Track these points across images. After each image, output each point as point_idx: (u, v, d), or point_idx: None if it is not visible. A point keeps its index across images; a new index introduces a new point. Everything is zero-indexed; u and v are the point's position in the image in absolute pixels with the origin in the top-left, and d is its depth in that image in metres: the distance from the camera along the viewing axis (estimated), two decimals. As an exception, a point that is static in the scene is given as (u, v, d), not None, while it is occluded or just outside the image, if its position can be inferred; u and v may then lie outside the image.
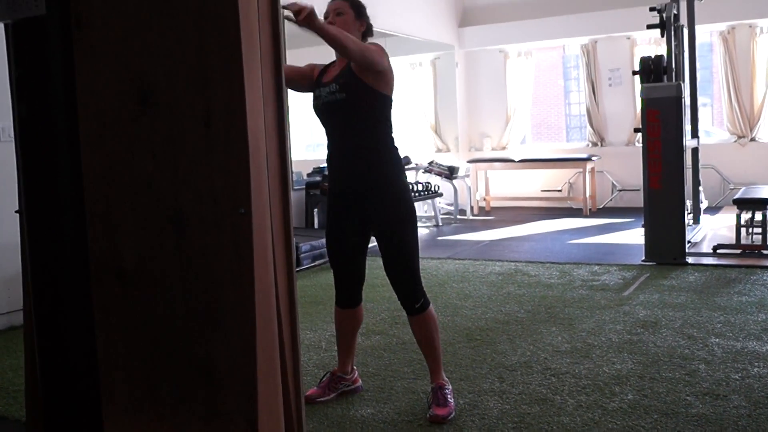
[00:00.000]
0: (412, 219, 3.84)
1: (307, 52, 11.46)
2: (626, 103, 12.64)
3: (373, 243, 3.98)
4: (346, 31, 3.67)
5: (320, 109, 3.84)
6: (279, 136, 2.63)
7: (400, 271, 3.82)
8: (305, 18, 3.26)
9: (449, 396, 3.84)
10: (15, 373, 4.65)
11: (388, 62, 3.73)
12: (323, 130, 3.89)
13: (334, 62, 3.92)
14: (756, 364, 4.32)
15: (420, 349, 3.99)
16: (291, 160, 2.73)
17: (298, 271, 2.75)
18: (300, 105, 14.89)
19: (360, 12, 3.87)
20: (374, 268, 4.51)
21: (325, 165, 4.04)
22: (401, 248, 3.80)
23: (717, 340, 4.80)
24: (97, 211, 2.80)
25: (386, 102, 3.80)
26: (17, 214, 2.73)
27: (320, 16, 3.42)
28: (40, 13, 2.35)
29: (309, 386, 4.12)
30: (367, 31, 3.92)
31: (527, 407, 3.83)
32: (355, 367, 4.22)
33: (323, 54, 4.00)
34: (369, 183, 3.80)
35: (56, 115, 2.02)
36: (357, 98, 3.70)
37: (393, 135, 3.87)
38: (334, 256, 4.02)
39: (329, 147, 3.90)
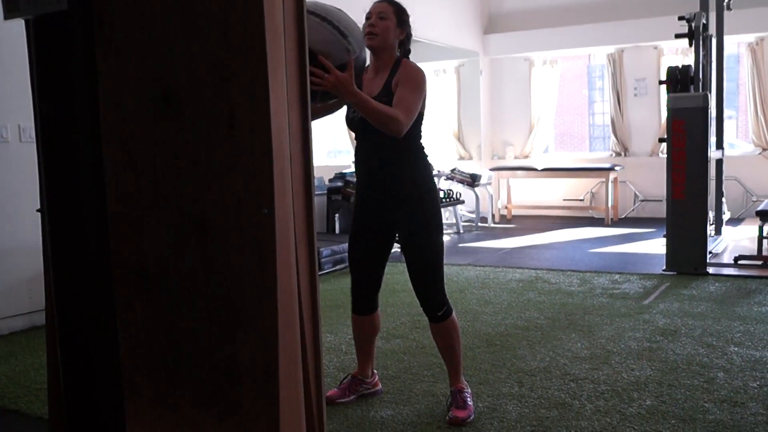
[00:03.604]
0: (439, 227, 3.83)
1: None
2: (651, 113, 12.61)
3: (395, 249, 3.98)
4: (387, 37, 3.69)
5: (356, 122, 3.78)
6: (303, 138, 2.65)
7: (424, 278, 3.81)
8: (337, 81, 3.19)
9: (469, 399, 3.85)
10: (37, 372, 4.69)
11: (425, 88, 3.71)
12: (349, 135, 3.88)
13: (367, 68, 3.81)
14: (775, 373, 4.32)
15: (440, 354, 4.00)
16: (313, 163, 2.75)
17: (319, 275, 2.77)
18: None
19: (402, 19, 3.79)
20: (395, 273, 4.56)
21: (346, 171, 4.02)
22: (427, 255, 3.79)
23: (736, 348, 4.79)
24: (119, 210, 2.83)
25: (420, 117, 3.78)
26: (38, 214, 2.76)
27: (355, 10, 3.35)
28: (62, 8, 2.33)
29: (329, 388, 4.15)
30: (407, 39, 3.84)
31: (546, 411, 3.84)
32: (375, 371, 4.24)
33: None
34: (400, 190, 3.79)
35: (78, 113, 2.03)
36: None
37: (422, 143, 3.87)
38: (355, 261, 4.02)
39: (358, 153, 3.89)
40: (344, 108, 3.87)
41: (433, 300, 3.82)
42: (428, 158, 3.90)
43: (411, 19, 3.83)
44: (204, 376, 2.84)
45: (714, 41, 9.29)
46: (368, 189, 3.90)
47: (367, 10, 3.78)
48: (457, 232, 11.48)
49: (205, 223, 2.69)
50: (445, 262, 3.88)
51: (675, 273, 7.44)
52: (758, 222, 7.94)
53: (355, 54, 3.28)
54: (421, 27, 11.18)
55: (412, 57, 3.85)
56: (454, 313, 3.89)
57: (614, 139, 12.93)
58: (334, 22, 3.16)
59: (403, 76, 3.68)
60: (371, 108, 3.42)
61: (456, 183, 11.83)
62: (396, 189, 3.79)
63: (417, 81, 3.66)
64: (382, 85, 3.71)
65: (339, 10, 3.24)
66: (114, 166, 2.80)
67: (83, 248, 2.07)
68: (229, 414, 2.80)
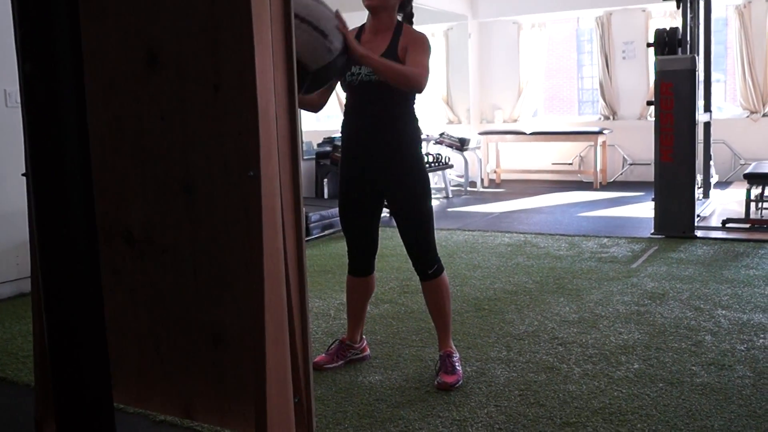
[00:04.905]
0: (427, 194, 3.83)
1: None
2: (639, 76, 12.57)
3: (384, 213, 3.95)
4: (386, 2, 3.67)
5: (355, 85, 3.72)
6: (288, 100, 2.62)
7: (414, 237, 3.82)
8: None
9: (457, 364, 3.85)
10: (24, 339, 4.68)
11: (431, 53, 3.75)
12: (344, 95, 3.83)
13: (363, 28, 3.80)
14: (761, 335, 4.33)
15: (430, 315, 3.99)
16: (301, 126, 2.72)
17: (307, 240, 2.76)
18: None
19: None
20: (384, 238, 4.53)
21: (335, 136, 3.98)
22: (416, 216, 3.80)
23: (723, 312, 4.81)
24: (104, 174, 2.80)
25: None
26: (24, 180, 2.73)
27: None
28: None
29: (317, 353, 4.14)
30: (407, 1, 3.84)
31: (534, 375, 3.85)
32: (363, 336, 4.23)
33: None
34: (386, 152, 3.76)
35: (62, 74, 1.99)
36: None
37: (415, 107, 3.85)
38: (347, 223, 4.01)
39: (349, 112, 3.83)
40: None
41: (424, 258, 3.84)
42: (419, 125, 3.88)
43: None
44: (190, 341, 2.83)
45: (702, 3, 9.25)
46: (356, 148, 3.86)
47: None
48: (446, 197, 11.46)
49: (191, 186, 2.67)
50: (434, 227, 3.88)
51: (663, 236, 7.44)
52: (746, 185, 7.97)
53: (337, 52, 3.30)
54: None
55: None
56: (444, 273, 3.90)
57: (603, 102, 12.90)
58: (313, 22, 3.17)
59: (411, 40, 3.69)
60: (394, 69, 3.48)
61: (445, 147, 11.81)
62: (384, 150, 3.77)
63: (426, 46, 3.69)
64: (386, 47, 3.67)
65: (315, 2, 3.25)
66: (99, 129, 2.77)
67: (68, 213, 2.04)
68: (216, 380, 2.79)
